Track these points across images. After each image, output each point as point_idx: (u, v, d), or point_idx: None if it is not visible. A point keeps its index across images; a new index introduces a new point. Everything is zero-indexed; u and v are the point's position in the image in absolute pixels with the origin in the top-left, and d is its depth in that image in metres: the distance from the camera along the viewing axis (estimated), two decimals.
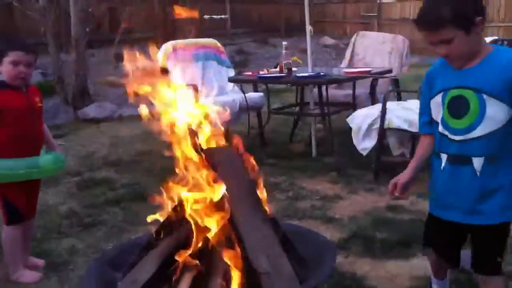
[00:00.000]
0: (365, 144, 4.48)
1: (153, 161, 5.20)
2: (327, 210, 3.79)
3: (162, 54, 5.93)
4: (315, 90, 5.08)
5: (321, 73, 5.03)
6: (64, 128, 7.00)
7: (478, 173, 1.95)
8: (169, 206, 2.26)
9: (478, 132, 1.92)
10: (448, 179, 2.03)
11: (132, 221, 3.78)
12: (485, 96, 1.88)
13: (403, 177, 2.14)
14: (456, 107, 1.95)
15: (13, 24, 10.20)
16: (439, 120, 2.04)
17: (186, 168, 2.24)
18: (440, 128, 2.03)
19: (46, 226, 3.73)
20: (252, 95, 5.55)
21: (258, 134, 5.67)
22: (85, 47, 8.17)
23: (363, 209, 3.76)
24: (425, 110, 2.12)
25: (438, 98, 2.01)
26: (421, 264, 2.89)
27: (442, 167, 2.04)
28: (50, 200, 4.25)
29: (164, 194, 2.26)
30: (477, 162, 1.95)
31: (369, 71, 5.21)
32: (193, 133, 2.22)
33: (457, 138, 1.96)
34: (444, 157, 2.03)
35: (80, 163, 5.30)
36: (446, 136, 2.00)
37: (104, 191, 4.42)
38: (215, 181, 2.09)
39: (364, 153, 4.49)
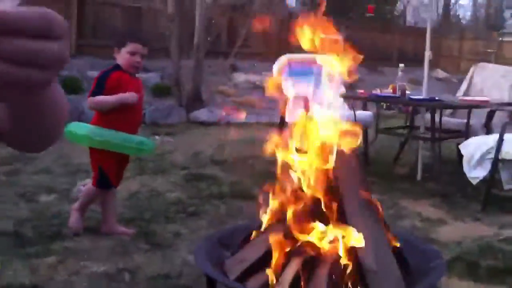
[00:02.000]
0: (476, 173, 4.32)
1: (257, 164, 5.34)
2: (430, 232, 3.70)
3: (277, 66, 6.10)
4: (427, 115, 4.99)
5: (436, 98, 4.95)
6: (175, 128, 7.36)
7: None
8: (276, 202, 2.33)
9: None
10: None
11: (232, 215, 3.91)
12: None
13: None
14: None
15: (140, 27, 10.89)
16: None
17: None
18: None
19: (154, 209, 3.94)
20: (362, 113, 5.55)
21: (363, 153, 5.65)
22: (204, 54, 8.56)
23: (468, 236, 3.63)
24: None
25: None
26: None
27: None
28: (159, 187, 4.48)
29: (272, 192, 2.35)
30: None
31: (487, 101, 5.04)
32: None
33: None
34: None
35: (188, 160, 5.55)
36: None
37: (209, 186, 4.60)
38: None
39: (474, 182, 4.33)
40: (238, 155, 5.81)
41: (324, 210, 2.20)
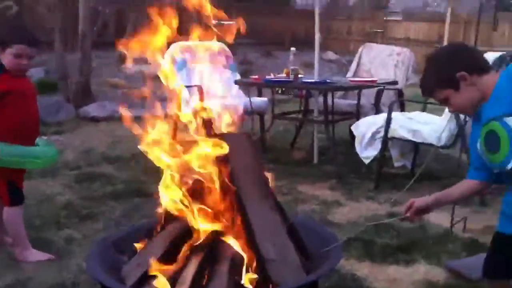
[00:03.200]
0: (367, 153, 4.46)
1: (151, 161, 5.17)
2: (327, 214, 3.77)
3: (169, 55, 5.94)
4: (320, 98, 5.08)
5: (328, 80, 5.04)
6: (64, 125, 6.96)
7: None
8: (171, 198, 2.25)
9: None
10: None
11: (129, 216, 3.75)
12: (505, 119, 1.85)
13: (420, 201, 2.14)
14: (491, 142, 1.90)
15: (20, 19, 10.22)
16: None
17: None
18: (494, 170, 1.97)
19: (44, 215, 3.70)
20: (257, 99, 5.54)
21: (259, 139, 5.65)
22: (91, 46, 8.16)
23: (362, 215, 3.73)
24: (474, 159, 2.09)
25: (479, 145, 1.98)
26: (421, 269, 2.89)
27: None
28: (47, 191, 4.22)
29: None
30: None
31: (375, 80, 5.21)
32: (208, 122, 2.20)
33: (509, 167, 1.86)
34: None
35: (79, 158, 5.27)
36: (501, 173, 1.95)
37: (102, 185, 4.39)
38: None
39: (366, 161, 4.47)
40: (132, 151, 5.60)
41: (220, 201, 2.15)
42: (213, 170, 2.10)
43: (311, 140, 5.43)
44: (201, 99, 5.38)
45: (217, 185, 2.09)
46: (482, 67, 2.00)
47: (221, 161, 2.09)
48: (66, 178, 4.60)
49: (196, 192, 2.16)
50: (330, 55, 15.13)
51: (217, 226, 2.00)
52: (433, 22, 15.34)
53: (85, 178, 4.58)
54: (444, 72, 1.99)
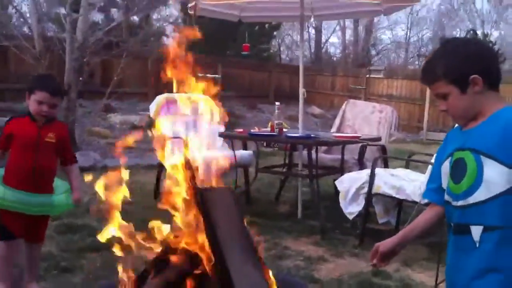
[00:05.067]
0: (351, 208, 4.47)
1: (135, 212, 5.11)
2: (312, 271, 3.72)
3: (155, 105, 5.97)
4: (304, 152, 5.11)
5: (312, 135, 5.08)
6: None
7: (477, 244, 1.75)
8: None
9: (476, 196, 1.74)
10: (453, 252, 1.84)
11: (109, 268, 3.66)
12: (482, 157, 1.74)
13: (384, 245, 1.99)
14: (457, 171, 1.80)
15: (7, 68, 10.26)
16: (445, 187, 1.88)
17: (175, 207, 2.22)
18: (446, 196, 1.88)
19: (23, 267, 3.59)
20: (242, 152, 5.55)
21: (244, 192, 5.63)
22: (76, 95, 8.20)
23: (347, 272, 3.69)
24: (433, 177, 1.97)
25: (446, 163, 1.87)
26: None
27: (451, 240, 1.87)
28: None
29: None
30: (475, 231, 1.75)
31: (359, 136, 5.27)
32: (189, 167, 2.19)
33: (458, 204, 1.80)
34: (451, 227, 1.86)
35: None
36: (450, 203, 1.85)
37: (83, 237, 4.31)
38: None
39: (351, 217, 4.47)
40: (114, 203, 5.52)
41: (202, 259, 2.12)
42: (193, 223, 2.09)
43: (296, 194, 5.42)
44: (186, 151, 5.40)
45: (198, 239, 2.07)
46: (496, 82, 1.82)
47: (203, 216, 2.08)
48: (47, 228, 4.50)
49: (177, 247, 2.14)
50: (315, 109, 15.35)
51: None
52: (415, 79, 15.70)
53: (65, 229, 4.50)
54: (459, 67, 1.79)
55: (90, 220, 4.84)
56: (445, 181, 1.88)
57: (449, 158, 1.85)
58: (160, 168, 5.53)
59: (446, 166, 1.87)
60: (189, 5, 5.62)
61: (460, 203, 1.79)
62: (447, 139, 1.95)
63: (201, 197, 2.08)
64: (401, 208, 4.71)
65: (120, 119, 10.41)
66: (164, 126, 5.81)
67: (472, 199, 1.76)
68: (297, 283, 2.34)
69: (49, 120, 3.07)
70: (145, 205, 5.28)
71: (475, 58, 1.80)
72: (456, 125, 1.97)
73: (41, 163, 3.03)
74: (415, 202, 4.12)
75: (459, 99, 1.80)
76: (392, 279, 3.56)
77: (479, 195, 1.75)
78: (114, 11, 15.80)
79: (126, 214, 5.05)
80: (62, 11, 9.63)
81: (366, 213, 4.42)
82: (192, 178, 2.16)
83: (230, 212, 2.13)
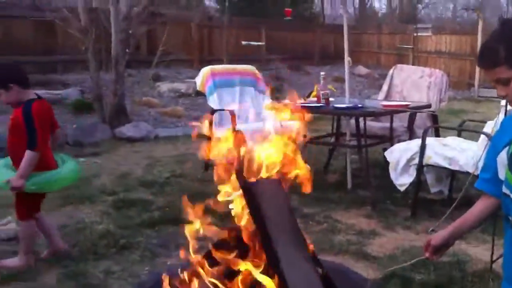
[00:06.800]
0: (402, 180, 4.43)
1: (188, 184, 5.24)
2: (363, 246, 3.74)
3: (200, 78, 6.01)
4: (352, 121, 5.07)
5: (359, 105, 5.02)
6: (100, 147, 7.11)
7: None
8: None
9: None
10: (510, 246, 1.79)
11: (165, 245, 3.79)
12: None
13: (436, 239, 1.96)
14: None
15: (55, 41, 10.46)
16: (503, 178, 1.79)
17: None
18: (504, 188, 1.78)
19: (82, 245, 3.75)
20: (288, 123, 5.54)
21: None
22: (124, 67, 8.31)
23: (400, 247, 3.69)
24: (488, 166, 1.89)
25: (503, 154, 1.78)
26: None
27: (508, 234, 1.82)
28: (86, 218, 4.28)
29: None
30: None
31: (407, 105, 5.17)
32: (238, 159, 2.20)
33: None
34: (510, 221, 1.80)
35: (116, 183, 5.35)
36: (509, 196, 1.75)
37: (139, 213, 4.44)
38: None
39: (402, 188, 4.44)
40: (168, 174, 5.67)
41: (249, 247, 2.15)
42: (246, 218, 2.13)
43: (344, 163, 5.41)
44: (233, 123, 5.43)
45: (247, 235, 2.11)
46: None
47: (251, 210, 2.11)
48: (103, 204, 4.67)
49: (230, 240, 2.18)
50: (361, 69, 15.07)
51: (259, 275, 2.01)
52: (464, 34, 15.16)
53: (122, 204, 4.64)
54: None
55: (144, 194, 4.99)
56: (502, 172, 1.81)
57: (507, 148, 1.77)
58: (209, 140, 5.61)
59: (503, 157, 1.79)
60: None
61: None
62: (503, 127, 1.88)
63: (249, 191, 2.10)
64: (453, 176, 4.63)
65: (168, 87, 10.52)
66: (210, 98, 5.90)
67: None
68: (347, 271, 2.36)
69: (17, 104, 3.26)
70: (195, 177, 5.39)
71: None
72: None
73: (8, 144, 3.36)
74: (468, 173, 4.05)
75: None
76: (446, 254, 3.51)
77: None
78: None
79: (180, 186, 5.20)
80: None
81: (418, 184, 4.37)
82: (239, 170, 2.17)
83: (279, 204, 2.15)
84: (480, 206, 1.94)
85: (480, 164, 3.92)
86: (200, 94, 8.21)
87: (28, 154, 3.16)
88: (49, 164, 3.36)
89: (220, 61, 10.51)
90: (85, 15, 8.03)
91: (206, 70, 6.07)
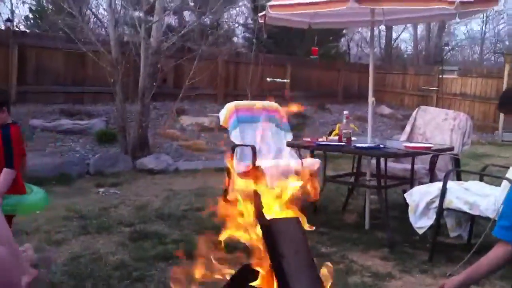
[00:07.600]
0: (421, 223, 4.36)
1: (205, 219, 5.23)
2: None
3: (224, 113, 6.07)
4: (373, 161, 5.05)
5: (381, 145, 5.00)
6: (121, 177, 7.17)
7: None
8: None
9: None
10: None
11: (178, 280, 3.76)
12: None
13: (450, 283, 1.93)
14: None
15: (85, 72, 10.70)
16: None
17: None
18: None
19: (96, 276, 3.76)
20: (309, 161, 5.55)
21: (311, 201, 5.62)
22: (150, 99, 8.45)
23: None
24: (507, 213, 1.87)
25: None
26: None
27: None
28: (102, 249, 4.30)
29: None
30: None
31: (430, 147, 5.13)
32: (257, 196, 2.20)
33: None
34: None
35: (133, 214, 5.38)
36: None
37: (154, 245, 4.44)
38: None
39: (420, 232, 4.37)
40: (186, 207, 5.68)
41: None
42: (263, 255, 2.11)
43: (363, 202, 5.36)
44: (254, 159, 5.45)
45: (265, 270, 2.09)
46: None
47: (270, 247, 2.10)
48: (120, 235, 4.69)
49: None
50: (384, 109, 15.03)
51: None
52: (490, 77, 15.09)
53: (138, 236, 4.65)
54: None
55: (161, 227, 5.00)
56: None
57: None
58: (229, 174, 5.62)
59: None
60: (259, 14, 5.66)
61: None
62: None
63: (267, 229, 2.09)
64: (473, 221, 4.55)
65: (191, 121, 10.63)
66: (232, 133, 5.95)
67: None
68: None
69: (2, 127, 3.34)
70: (213, 212, 5.38)
71: None
72: None
73: None
74: (489, 219, 3.98)
75: None
76: None
77: None
78: (186, 13, 16.12)
79: (196, 220, 5.18)
80: (136, 14, 9.95)
81: (437, 227, 4.30)
82: (258, 207, 2.17)
83: (297, 243, 2.14)
84: (495, 254, 1.91)
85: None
86: (222, 128, 8.29)
87: (6, 172, 3.27)
88: (21, 188, 3.48)
89: (244, 96, 10.59)
90: (116, 48, 8.21)
91: (230, 106, 6.14)
